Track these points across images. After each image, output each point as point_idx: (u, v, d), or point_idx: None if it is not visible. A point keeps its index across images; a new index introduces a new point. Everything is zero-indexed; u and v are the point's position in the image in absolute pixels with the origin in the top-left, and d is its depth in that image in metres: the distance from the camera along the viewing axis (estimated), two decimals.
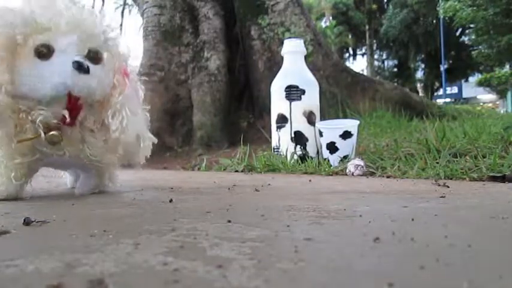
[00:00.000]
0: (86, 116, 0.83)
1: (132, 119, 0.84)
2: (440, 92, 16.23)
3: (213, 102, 3.10)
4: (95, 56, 0.81)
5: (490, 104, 13.88)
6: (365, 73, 11.75)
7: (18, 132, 0.80)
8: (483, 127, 1.81)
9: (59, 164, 0.94)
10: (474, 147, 1.35)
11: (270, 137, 1.85)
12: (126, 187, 1.07)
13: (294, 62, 1.77)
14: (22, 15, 0.76)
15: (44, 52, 0.77)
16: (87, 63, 0.78)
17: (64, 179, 1.15)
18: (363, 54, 18.35)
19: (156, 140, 0.94)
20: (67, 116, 0.79)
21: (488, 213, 0.56)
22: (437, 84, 16.58)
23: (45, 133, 0.79)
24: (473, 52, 9.46)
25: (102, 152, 0.86)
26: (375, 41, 16.79)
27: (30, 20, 0.76)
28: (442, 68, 14.83)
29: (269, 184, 1.06)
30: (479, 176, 1.06)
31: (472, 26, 8.18)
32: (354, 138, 1.56)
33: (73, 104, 0.80)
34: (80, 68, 0.76)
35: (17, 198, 0.83)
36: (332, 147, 1.56)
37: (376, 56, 17.64)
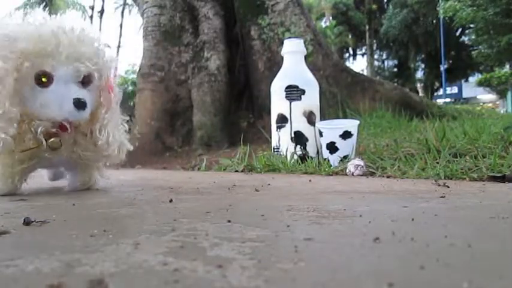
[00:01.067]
0: (79, 123, 0.91)
1: (116, 132, 0.94)
2: (440, 92, 16.23)
3: (213, 102, 3.10)
4: (87, 80, 0.88)
5: (490, 104, 13.89)
6: (365, 73, 11.75)
7: (19, 141, 0.86)
8: (483, 127, 1.81)
9: (52, 164, 1.01)
10: (474, 147, 1.35)
11: (270, 137, 1.85)
12: (126, 187, 1.07)
13: (294, 62, 1.77)
14: (28, 43, 0.81)
15: (44, 81, 0.84)
16: (84, 97, 0.86)
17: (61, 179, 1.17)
18: (363, 54, 18.35)
19: (131, 148, 1.03)
20: (68, 127, 0.88)
21: (488, 213, 0.56)
22: (437, 84, 16.58)
23: (46, 140, 0.86)
24: (473, 52, 9.47)
25: (92, 152, 0.95)
26: (375, 41, 16.79)
27: (33, 48, 0.82)
28: (442, 68, 14.83)
29: (269, 184, 1.06)
30: (479, 176, 1.06)
31: (472, 26, 8.19)
32: (354, 138, 1.56)
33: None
34: (79, 105, 0.85)
35: (15, 195, 0.89)
36: (332, 147, 1.55)
37: (376, 56, 17.64)
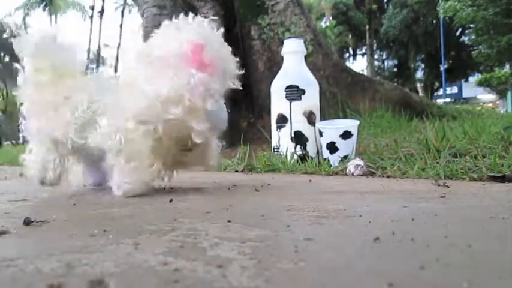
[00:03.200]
0: None
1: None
2: (440, 92, 16.24)
3: None
4: None
5: (490, 104, 13.88)
6: (365, 73, 11.75)
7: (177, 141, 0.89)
8: (483, 127, 1.81)
9: None
10: (474, 147, 1.35)
11: (270, 137, 1.85)
12: None
13: (294, 62, 1.77)
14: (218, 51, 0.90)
15: None
16: None
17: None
18: (363, 54, 18.37)
19: None
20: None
21: (488, 213, 0.56)
22: (437, 84, 16.59)
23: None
24: (473, 52, 9.48)
25: (193, 158, 0.98)
26: (375, 41, 16.80)
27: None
28: (442, 68, 14.85)
29: (269, 184, 1.06)
30: (479, 176, 1.06)
31: (472, 26, 8.19)
32: (354, 138, 1.56)
33: None
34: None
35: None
36: (332, 147, 1.55)
37: (376, 56, 17.66)
